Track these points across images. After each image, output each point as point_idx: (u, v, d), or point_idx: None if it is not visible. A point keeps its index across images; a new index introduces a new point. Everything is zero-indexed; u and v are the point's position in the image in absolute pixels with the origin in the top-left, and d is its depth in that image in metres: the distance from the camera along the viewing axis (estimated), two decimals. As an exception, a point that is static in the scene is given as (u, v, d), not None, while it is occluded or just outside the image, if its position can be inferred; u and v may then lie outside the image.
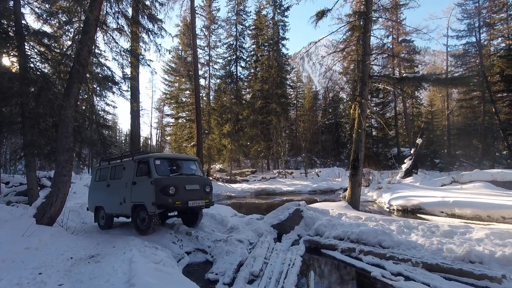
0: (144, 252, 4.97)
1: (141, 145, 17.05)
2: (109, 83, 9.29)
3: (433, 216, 9.69)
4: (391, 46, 27.03)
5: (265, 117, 28.61)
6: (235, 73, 30.59)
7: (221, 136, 26.59)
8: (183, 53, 29.02)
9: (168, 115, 36.25)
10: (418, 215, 10.18)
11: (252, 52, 31.46)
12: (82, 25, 6.89)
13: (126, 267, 4.15)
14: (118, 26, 9.21)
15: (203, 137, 23.59)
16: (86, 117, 12.43)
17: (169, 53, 28.20)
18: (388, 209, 11.86)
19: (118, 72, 14.33)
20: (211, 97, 30.77)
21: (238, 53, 30.42)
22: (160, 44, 10.53)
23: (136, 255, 4.56)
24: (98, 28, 7.19)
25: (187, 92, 30.49)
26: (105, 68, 9.59)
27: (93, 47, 7.05)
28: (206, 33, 29.74)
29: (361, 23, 10.59)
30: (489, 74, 23.04)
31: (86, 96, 11.81)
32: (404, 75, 26.48)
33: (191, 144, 25.65)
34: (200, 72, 28.30)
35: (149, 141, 46.21)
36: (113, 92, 10.14)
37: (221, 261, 5.13)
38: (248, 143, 28.72)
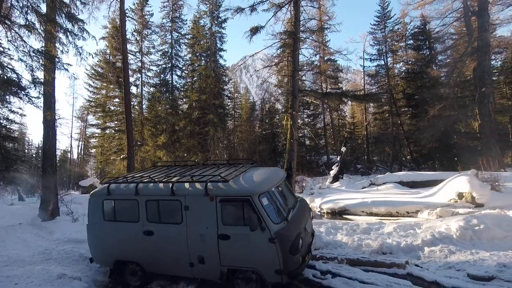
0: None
1: (57, 159, 14.82)
2: (14, 88, 7.89)
3: (356, 216, 10.86)
4: (318, 64, 29.95)
5: (203, 127, 28.15)
6: (170, 81, 29.47)
7: (156, 147, 25.08)
8: (111, 58, 26.65)
9: (93, 125, 32.43)
10: (344, 216, 11.27)
11: (189, 61, 30.87)
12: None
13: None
14: (27, 23, 8.00)
15: (135, 149, 21.86)
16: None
17: (93, 57, 25.49)
18: (319, 213, 12.80)
19: (27, 75, 12.27)
20: (144, 106, 28.90)
21: (173, 61, 29.47)
22: (81, 47, 9.51)
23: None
24: (-2, 23, 6.11)
25: (116, 100, 27.93)
26: (8, 70, 8.13)
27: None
28: (138, 38, 28.03)
29: (291, 42, 11.52)
30: (394, 92, 27.71)
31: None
32: (328, 90, 29.63)
33: (121, 156, 23.47)
34: (132, 79, 26.40)
35: (69, 154, 40.64)
36: (20, 98, 8.66)
37: None
38: (185, 155, 27.73)
